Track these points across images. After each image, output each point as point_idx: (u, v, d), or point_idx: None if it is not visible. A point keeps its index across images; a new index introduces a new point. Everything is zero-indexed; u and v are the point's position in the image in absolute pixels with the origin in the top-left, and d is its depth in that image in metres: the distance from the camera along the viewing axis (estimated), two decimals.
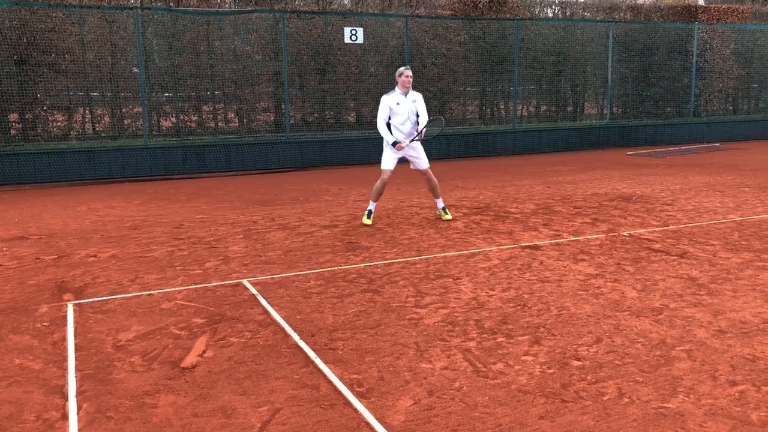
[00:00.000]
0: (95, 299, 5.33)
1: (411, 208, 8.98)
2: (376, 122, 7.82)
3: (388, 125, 7.76)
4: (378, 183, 7.93)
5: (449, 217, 8.17)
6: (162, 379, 3.88)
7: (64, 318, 4.91)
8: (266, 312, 4.98)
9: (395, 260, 6.37)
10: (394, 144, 7.65)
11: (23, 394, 3.73)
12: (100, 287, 5.64)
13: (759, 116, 19.37)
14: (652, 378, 3.81)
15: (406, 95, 7.69)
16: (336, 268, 6.14)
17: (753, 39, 18.65)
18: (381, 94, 7.89)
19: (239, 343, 4.39)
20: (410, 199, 9.77)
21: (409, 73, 7.64)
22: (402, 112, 7.68)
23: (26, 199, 10.33)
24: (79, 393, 3.72)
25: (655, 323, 4.66)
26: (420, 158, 7.98)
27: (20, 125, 12.32)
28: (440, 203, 8.23)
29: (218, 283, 5.70)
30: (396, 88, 7.73)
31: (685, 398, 3.57)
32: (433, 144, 14.75)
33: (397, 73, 7.71)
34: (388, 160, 7.86)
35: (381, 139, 7.81)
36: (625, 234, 7.35)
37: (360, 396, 3.63)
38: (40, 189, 11.36)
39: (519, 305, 5.07)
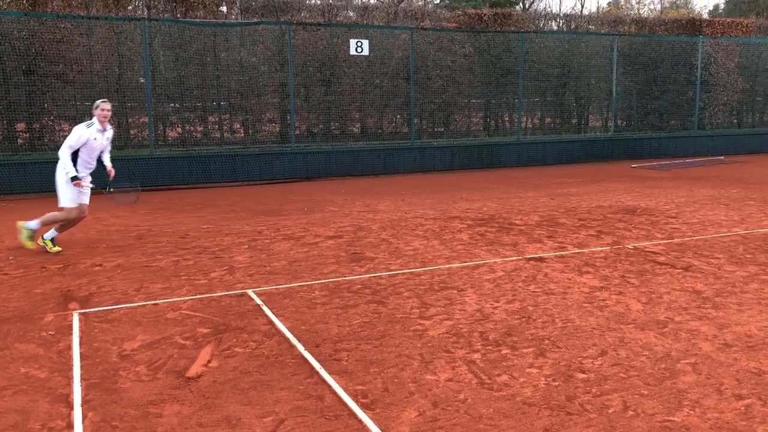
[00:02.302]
0: (100, 308, 5.35)
1: (415, 220, 8.99)
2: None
3: (75, 156, 7.08)
4: (63, 215, 7.19)
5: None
6: (167, 389, 3.88)
7: (70, 327, 4.93)
8: (271, 322, 4.99)
9: (400, 271, 6.38)
10: (74, 179, 6.98)
11: (29, 402, 3.74)
12: (106, 296, 5.66)
13: (763, 129, 19.37)
14: (657, 391, 3.80)
15: (103, 132, 7.16)
16: (341, 278, 6.15)
17: (757, 52, 18.69)
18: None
19: (244, 354, 4.40)
20: (414, 210, 9.79)
21: (107, 106, 7.06)
22: (97, 147, 7.15)
23: (33, 207, 10.36)
24: (85, 402, 3.73)
25: (660, 336, 4.66)
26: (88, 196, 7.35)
27: (27, 135, 12.42)
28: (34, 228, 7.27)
29: (223, 293, 5.71)
30: (94, 120, 7.07)
31: (691, 412, 3.56)
32: (437, 155, 14.87)
33: (94, 106, 7.13)
34: (74, 195, 7.13)
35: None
36: (629, 247, 7.34)
37: (365, 407, 3.63)
38: (46, 198, 11.40)
39: (524, 317, 5.06)
